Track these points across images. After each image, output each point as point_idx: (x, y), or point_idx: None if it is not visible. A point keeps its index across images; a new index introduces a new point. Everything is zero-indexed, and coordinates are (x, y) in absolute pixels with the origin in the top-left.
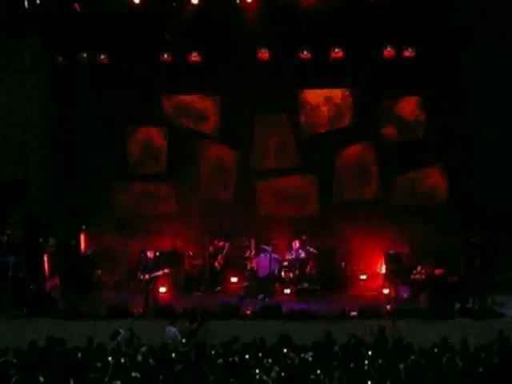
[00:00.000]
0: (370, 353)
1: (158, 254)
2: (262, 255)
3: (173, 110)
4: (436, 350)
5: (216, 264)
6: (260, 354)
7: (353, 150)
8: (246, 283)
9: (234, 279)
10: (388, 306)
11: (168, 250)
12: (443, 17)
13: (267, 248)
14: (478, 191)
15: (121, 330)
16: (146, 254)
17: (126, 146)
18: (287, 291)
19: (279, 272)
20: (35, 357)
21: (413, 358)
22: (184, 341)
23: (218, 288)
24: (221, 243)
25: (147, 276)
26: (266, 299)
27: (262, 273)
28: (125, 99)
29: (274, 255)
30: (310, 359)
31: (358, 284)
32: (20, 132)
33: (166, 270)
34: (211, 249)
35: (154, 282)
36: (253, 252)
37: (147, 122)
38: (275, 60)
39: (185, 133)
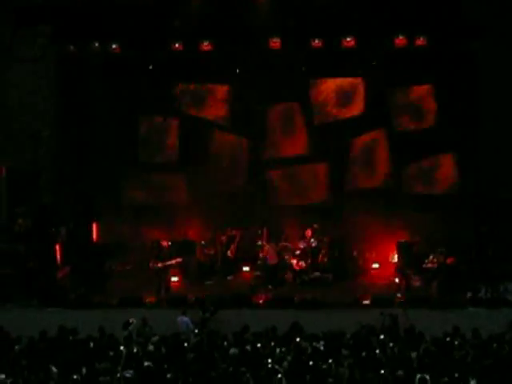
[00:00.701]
0: (381, 337)
1: (170, 243)
2: (271, 244)
3: (184, 99)
4: (448, 339)
5: (228, 253)
6: (272, 343)
7: (365, 139)
8: (257, 273)
9: (246, 268)
10: (399, 295)
11: (180, 239)
12: (455, 5)
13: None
14: (490, 180)
15: (132, 320)
16: (158, 244)
17: (137, 136)
18: (299, 281)
19: (291, 261)
20: (47, 346)
21: (425, 346)
22: (196, 330)
23: (230, 277)
24: (233, 232)
25: (159, 265)
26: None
27: (272, 261)
28: (136, 88)
29: (285, 243)
30: (321, 348)
31: (370, 273)
32: (31, 121)
33: (179, 259)
34: (223, 238)
35: (166, 271)
36: (265, 241)
37: (159, 111)
38: (287, 49)
39: (197, 122)
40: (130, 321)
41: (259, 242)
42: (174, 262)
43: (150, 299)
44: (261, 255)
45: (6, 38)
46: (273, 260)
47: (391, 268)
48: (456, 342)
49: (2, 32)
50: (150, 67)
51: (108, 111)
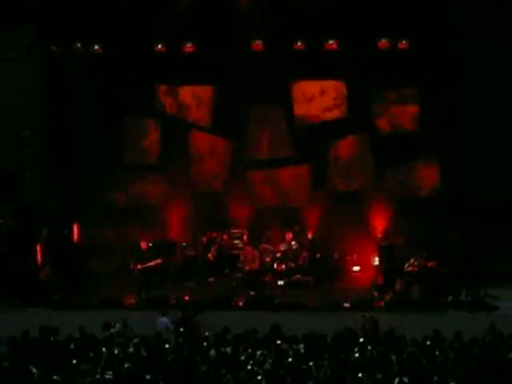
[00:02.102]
0: (361, 340)
1: (150, 244)
2: (249, 247)
3: (166, 100)
4: (428, 343)
5: (209, 255)
6: (252, 345)
7: (346, 142)
8: (238, 275)
9: (226, 270)
10: (375, 294)
11: (161, 241)
12: (438, 8)
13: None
14: (472, 183)
15: (115, 323)
16: (139, 245)
17: (119, 137)
18: (280, 283)
19: (272, 263)
20: (28, 346)
21: (408, 349)
22: (176, 331)
23: (211, 279)
24: (214, 234)
25: (139, 266)
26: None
27: (252, 265)
28: (119, 89)
29: (267, 246)
30: (302, 350)
31: (350, 275)
32: (15, 121)
33: (158, 261)
34: (204, 239)
35: (147, 272)
36: (245, 243)
37: (141, 112)
38: (269, 51)
39: (178, 123)
40: (111, 323)
41: (240, 244)
42: (153, 263)
43: (130, 300)
44: (241, 257)
45: None
46: (253, 263)
47: (372, 271)
48: (437, 346)
49: None
50: None
51: (91, 112)
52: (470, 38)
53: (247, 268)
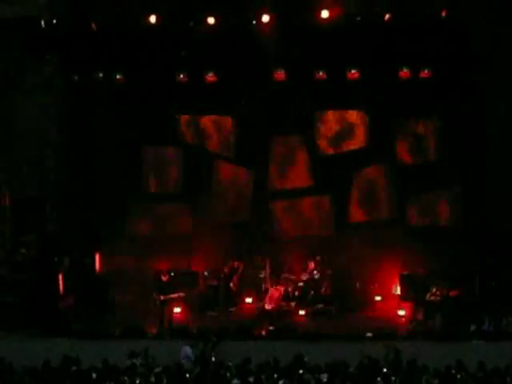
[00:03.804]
0: (384, 370)
1: (172, 274)
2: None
3: (188, 130)
4: (451, 372)
5: (231, 285)
6: (275, 375)
7: (368, 171)
8: (260, 304)
9: (248, 300)
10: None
11: (183, 271)
12: (461, 38)
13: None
14: (494, 212)
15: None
16: (160, 275)
17: (141, 167)
18: (302, 312)
19: (294, 293)
20: (50, 376)
21: (431, 380)
22: (197, 361)
23: (233, 308)
24: (236, 264)
25: (162, 297)
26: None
27: (269, 305)
28: (140, 119)
29: (289, 276)
30: (324, 380)
31: (373, 305)
32: (37, 150)
33: (182, 294)
34: (226, 269)
35: (169, 303)
36: (268, 273)
37: (162, 142)
38: (291, 80)
39: (200, 153)
40: (135, 353)
41: (262, 274)
42: (176, 296)
43: (152, 330)
44: (263, 287)
45: (14, 66)
46: (271, 304)
47: (394, 300)
48: (459, 376)
49: (9, 60)
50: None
51: (113, 141)
52: (493, 67)
53: (268, 307)
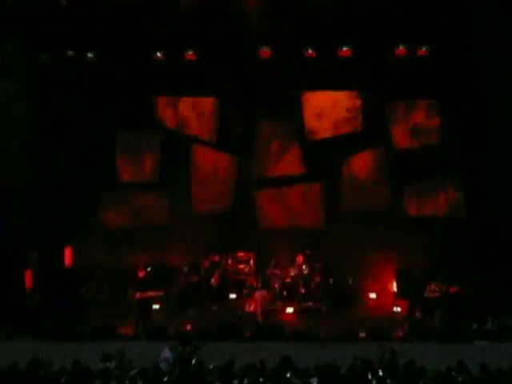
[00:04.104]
0: (379, 374)
1: (149, 269)
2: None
3: (165, 114)
4: (451, 374)
5: (212, 280)
6: (260, 379)
7: (361, 157)
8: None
9: (232, 295)
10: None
11: (161, 266)
12: (460, 13)
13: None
14: (495, 203)
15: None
16: (137, 271)
17: (115, 153)
18: (290, 310)
19: (281, 289)
20: (17, 380)
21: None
22: (176, 363)
23: (215, 306)
24: (217, 258)
25: (139, 295)
26: None
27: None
28: (114, 102)
29: (275, 271)
30: None
31: (366, 302)
32: (2, 137)
33: (160, 293)
34: (207, 264)
35: (146, 300)
36: (253, 267)
37: (138, 126)
38: (278, 59)
39: (179, 138)
40: (109, 354)
41: (246, 269)
42: (154, 294)
43: (127, 330)
44: (248, 283)
45: None
46: (255, 307)
47: (390, 297)
48: (460, 378)
49: None
50: None
51: (84, 126)
52: (494, 44)
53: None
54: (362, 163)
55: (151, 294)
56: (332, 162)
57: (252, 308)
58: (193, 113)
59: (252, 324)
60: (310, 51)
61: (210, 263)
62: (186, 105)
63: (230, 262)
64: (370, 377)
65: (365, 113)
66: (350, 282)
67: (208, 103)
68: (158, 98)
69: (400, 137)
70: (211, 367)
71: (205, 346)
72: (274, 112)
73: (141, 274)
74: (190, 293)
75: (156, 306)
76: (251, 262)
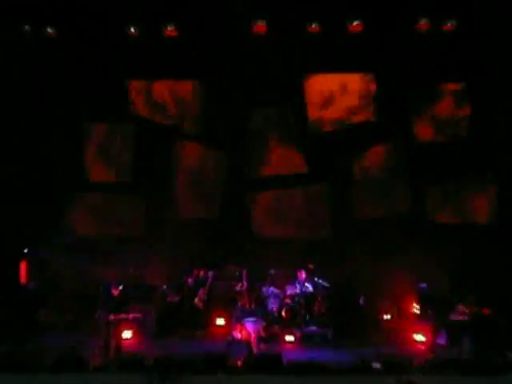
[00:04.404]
0: None
1: (121, 287)
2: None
3: (141, 101)
4: None
5: (196, 301)
6: None
7: (376, 153)
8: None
9: (219, 321)
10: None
11: (136, 283)
12: None
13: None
14: None
15: None
16: (108, 289)
17: (81, 149)
18: (290, 338)
19: (279, 311)
20: None
21: None
22: None
23: (200, 332)
24: (202, 273)
25: (112, 318)
26: None
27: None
28: (80, 86)
29: (273, 289)
30: None
31: (381, 327)
32: None
33: (137, 315)
34: (191, 281)
35: (118, 324)
36: (245, 285)
37: (108, 116)
38: (275, 35)
39: (157, 130)
40: None
41: (237, 287)
42: (130, 317)
43: (95, 360)
44: (239, 304)
45: None
46: (248, 334)
47: (410, 321)
48: None
49: None
50: None
51: (44, 115)
52: None
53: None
54: (376, 160)
55: (127, 316)
56: (340, 160)
57: (244, 334)
58: (173, 100)
59: (244, 354)
60: (314, 26)
61: (195, 280)
62: (164, 90)
63: (218, 278)
64: None
65: (380, 100)
66: (362, 302)
67: (191, 89)
68: (131, 82)
69: (422, 128)
70: None
71: (187, 380)
72: (271, 99)
73: (115, 292)
74: (171, 316)
75: (128, 334)
76: (244, 279)
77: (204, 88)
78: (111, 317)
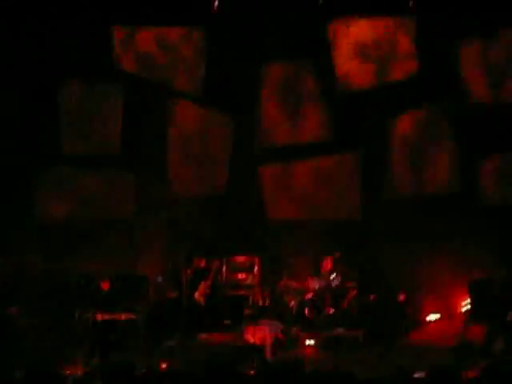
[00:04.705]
0: None
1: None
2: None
3: (130, 54)
4: None
5: (197, 295)
6: None
7: (418, 117)
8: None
9: (227, 321)
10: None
11: (125, 275)
12: None
13: None
14: None
15: None
16: (95, 284)
17: (57, 112)
18: (311, 342)
19: (300, 310)
20: None
21: None
22: None
23: (203, 335)
24: (204, 263)
25: (99, 318)
26: None
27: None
28: (55, 37)
29: (290, 282)
30: None
31: (425, 328)
32: None
33: (131, 315)
34: (190, 272)
35: (105, 326)
36: (257, 277)
37: (89, 72)
38: None
39: (149, 90)
40: None
41: (248, 279)
42: (123, 317)
43: (75, 370)
44: (251, 300)
45: None
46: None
47: (460, 321)
48: None
49: None
50: None
51: (12, 73)
52: None
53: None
54: (417, 125)
55: (119, 317)
56: (374, 124)
57: (257, 338)
58: (169, 51)
59: (257, 361)
60: None
61: (195, 271)
62: (158, 40)
63: (224, 269)
64: None
65: (424, 51)
66: (401, 298)
67: (191, 38)
68: (115, 29)
69: (477, 86)
70: None
71: None
72: (288, 51)
73: (105, 287)
74: (167, 315)
75: (114, 338)
76: (255, 269)
77: (208, 38)
78: (98, 317)
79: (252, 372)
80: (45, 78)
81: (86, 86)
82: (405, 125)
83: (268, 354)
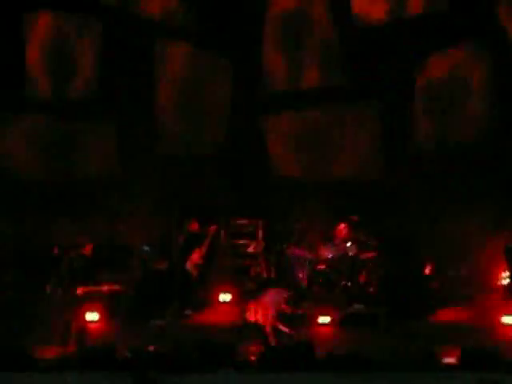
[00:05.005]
0: None
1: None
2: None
3: None
4: None
5: (189, 265)
6: None
7: (449, 58)
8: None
9: (225, 297)
10: None
11: (106, 243)
12: None
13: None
14: None
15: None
16: (77, 249)
17: (23, 49)
18: (325, 320)
19: (310, 282)
20: None
21: None
22: None
23: (193, 311)
24: (198, 227)
25: (80, 290)
26: None
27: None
28: None
29: (300, 251)
30: None
31: (457, 306)
32: None
33: (116, 287)
34: (182, 239)
35: (81, 301)
36: (261, 245)
37: (63, 2)
38: None
39: (132, 24)
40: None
41: (250, 248)
42: (105, 288)
43: (50, 353)
44: (253, 271)
45: None
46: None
47: (498, 296)
48: None
49: None
50: None
51: None
52: None
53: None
54: (448, 68)
55: (101, 288)
56: (397, 66)
57: (260, 316)
58: None
59: (259, 343)
60: None
61: (187, 237)
62: None
63: (222, 234)
64: None
65: None
66: (429, 271)
67: None
68: None
69: None
70: None
71: (177, 381)
72: None
73: (87, 251)
74: (155, 289)
75: (93, 316)
76: (259, 235)
77: None
78: (79, 290)
79: (253, 356)
80: (9, 8)
81: (55, 19)
82: (432, 68)
83: (271, 333)
